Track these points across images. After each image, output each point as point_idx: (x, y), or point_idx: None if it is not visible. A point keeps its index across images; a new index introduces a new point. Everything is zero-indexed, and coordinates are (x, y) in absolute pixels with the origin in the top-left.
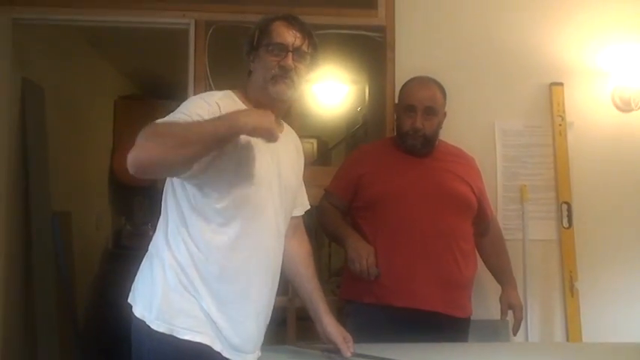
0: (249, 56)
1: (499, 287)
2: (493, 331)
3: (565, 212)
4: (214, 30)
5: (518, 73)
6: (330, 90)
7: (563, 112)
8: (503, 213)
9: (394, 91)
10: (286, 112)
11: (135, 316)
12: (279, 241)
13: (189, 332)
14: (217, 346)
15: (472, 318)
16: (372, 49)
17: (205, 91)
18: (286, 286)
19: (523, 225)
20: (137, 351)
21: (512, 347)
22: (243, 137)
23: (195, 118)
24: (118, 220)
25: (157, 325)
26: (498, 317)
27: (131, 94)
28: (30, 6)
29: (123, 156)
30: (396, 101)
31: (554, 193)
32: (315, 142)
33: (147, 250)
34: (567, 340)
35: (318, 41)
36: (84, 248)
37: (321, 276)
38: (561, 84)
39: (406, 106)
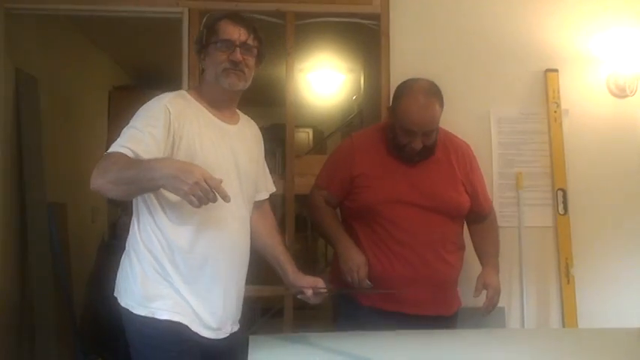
0: (200, 55)
1: (499, 276)
2: (489, 318)
3: (561, 199)
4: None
5: (512, 60)
6: (325, 79)
7: (559, 98)
8: (498, 200)
9: (389, 80)
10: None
11: (121, 307)
12: (242, 224)
13: (167, 313)
14: (195, 327)
15: (468, 306)
16: (367, 38)
17: (198, 80)
18: None
19: (519, 212)
20: (128, 337)
21: (508, 333)
22: (195, 133)
23: (147, 135)
24: (114, 211)
25: (139, 310)
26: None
27: (125, 84)
28: None
29: None
30: (390, 104)
31: (550, 179)
32: (310, 131)
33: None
34: (563, 326)
35: (263, 36)
36: (80, 240)
37: (318, 266)
38: (556, 70)
39: (404, 129)
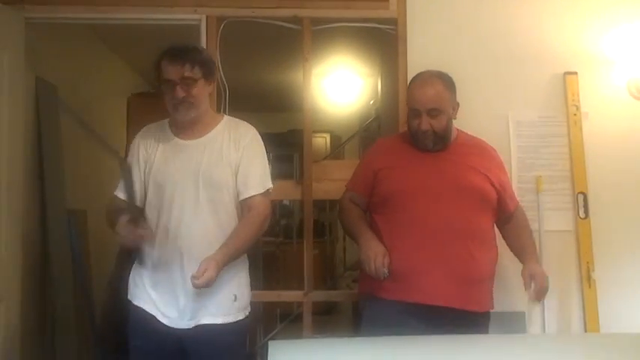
0: (159, 90)
1: (516, 279)
2: (510, 323)
3: (581, 202)
4: (225, 25)
5: (531, 63)
6: (342, 84)
7: (578, 101)
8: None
9: (407, 84)
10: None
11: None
12: (198, 228)
13: (137, 300)
14: (159, 316)
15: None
16: (383, 42)
17: (217, 87)
18: (301, 281)
19: (539, 216)
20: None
21: (529, 338)
22: (154, 154)
23: (134, 172)
24: None
25: (128, 296)
26: (516, 309)
27: (144, 91)
28: (42, 5)
29: None
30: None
31: (570, 183)
32: (327, 136)
33: None
34: (585, 330)
35: (206, 55)
36: (100, 246)
37: (336, 270)
38: (575, 73)
39: (410, 109)
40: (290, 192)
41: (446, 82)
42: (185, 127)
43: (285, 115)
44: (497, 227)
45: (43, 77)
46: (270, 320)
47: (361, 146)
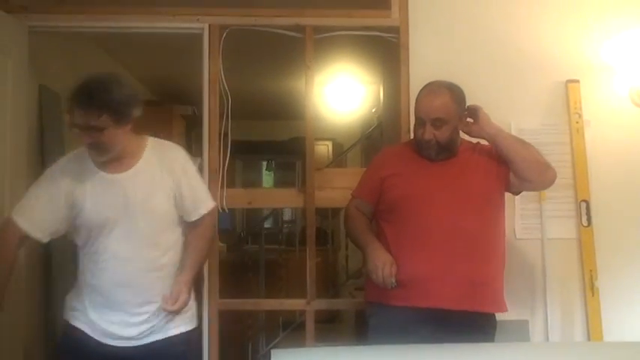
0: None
1: (520, 287)
2: (513, 331)
3: (584, 210)
4: (228, 34)
5: (533, 71)
6: (345, 91)
7: (580, 109)
8: (521, 212)
9: (409, 92)
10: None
11: None
12: (135, 259)
13: (75, 320)
14: (93, 334)
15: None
16: (386, 50)
17: (219, 95)
18: (304, 289)
19: (541, 224)
20: None
21: (533, 347)
22: (81, 193)
23: (52, 202)
24: None
25: (64, 315)
26: (518, 317)
27: (147, 99)
28: (45, 14)
29: None
30: (410, 116)
31: (573, 191)
32: (330, 144)
33: None
34: (588, 339)
35: (119, 96)
36: None
37: (339, 279)
38: (577, 81)
39: (416, 117)
40: (292, 200)
41: (454, 93)
42: (106, 162)
43: (287, 122)
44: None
45: (47, 85)
46: (273, 329)
47: (363, 154)
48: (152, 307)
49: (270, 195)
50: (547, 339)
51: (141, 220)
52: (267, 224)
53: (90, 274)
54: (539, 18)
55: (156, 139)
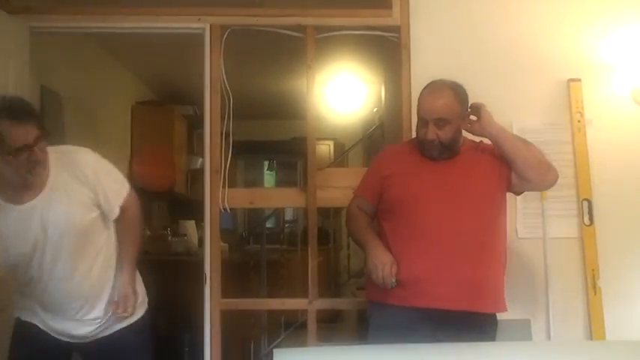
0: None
1: (521, 287)
2: (515, 331)
3: (586, 209)
4: (229, 34)
5: (535, 71)
6: (346, 91)
7: (582, 108)
8: (522, 211)
9: (410, 92)
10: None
11: None
12: (71, 275)
13: (28, 317)
14: (45, 329)
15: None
16: (387, 49)
17: (221, 95)
18: (305, 289)
19: (543, 223)
20: None
21: (535, 346)
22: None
23: None
24: None
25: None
26: (521, 317)
27: (148, 99)
28: (46, 14)
29: (141, 161)
30: (411, 115)
31: (575, 190)
32: (331, 143)
33: None
34: (590, 338)
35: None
36: None
37: (341, 278)
38: (579, 80)
39: (419, 117)
40: (294, 199)
41: (457, 92)
42: (18, 191)
43: (288, 122)
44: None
45: (48, 86)
46: (275, 328)
47: (365, 153)
48: (101, 308)
49: (272, 195)
50: (549, 338)
51: (66, 240)
52: (268, 224)
53: (30, 297)
54: (540, 17)
55: (53, 147)
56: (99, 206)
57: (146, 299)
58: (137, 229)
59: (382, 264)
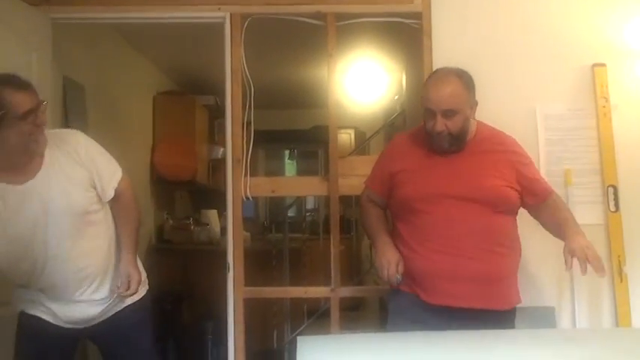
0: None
1: (546, 274)
2: (539, 318)
3: (612, 196)
4: (249, 22)
5: (559, 55)
6: (367, 79)
7: (607, 93)
8: None
9: None
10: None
11: None
12: (74, 254)
13: (32, 310)
14: (51, 320)
15: (518, 306)
16: (408, 36)
17: (241, 84)
18: (328, 277)
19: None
20: None
21: (560, 333)
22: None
23: None
24: (159, 214)
25: (18, 308)
26: (545, 304)
27: (170, 89)
28: (68, 5)
29: (163, 151)
30: None
31: (600, 176)
32: (352, 132)
33: None
34: (616, 325)
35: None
36: None
37: (363, 266)
38: (604, 65)
39: (425, 109)
40: (316, 188)
41: (463, 80)
42: (17, 168)
43: (309, 111)
44: (530, 212)
45: (71, 77)
46: (298, 316)
47: (386, 141)
48: (106, 288)
49: (294, 183)
50: (574, 325)
51: (66, 219)
52: (290, 213)
53: (34, 286)
54: (564, 2)
55: (48, 131)
56: (94, 187)
57: (146, 280)
58: (134, 210)
59: (388, 262)
